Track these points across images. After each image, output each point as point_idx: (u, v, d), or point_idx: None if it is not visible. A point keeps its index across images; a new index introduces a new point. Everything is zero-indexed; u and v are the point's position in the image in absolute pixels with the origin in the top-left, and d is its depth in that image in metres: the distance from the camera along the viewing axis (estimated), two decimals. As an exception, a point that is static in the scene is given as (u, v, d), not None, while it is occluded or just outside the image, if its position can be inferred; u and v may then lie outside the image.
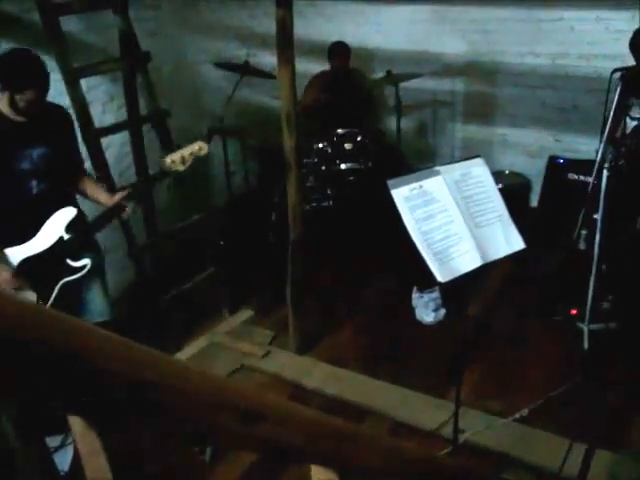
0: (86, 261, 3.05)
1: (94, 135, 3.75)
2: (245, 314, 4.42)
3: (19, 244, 2.93)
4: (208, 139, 4.94)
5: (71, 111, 3.79)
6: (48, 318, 0.56)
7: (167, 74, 5.14)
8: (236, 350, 4.02)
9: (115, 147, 4.36)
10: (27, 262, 2.92)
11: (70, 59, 3.60)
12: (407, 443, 1.54)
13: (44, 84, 2.82)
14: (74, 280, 3.04)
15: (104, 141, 3.85)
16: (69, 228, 2.99)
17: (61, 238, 2.98)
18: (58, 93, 4.00)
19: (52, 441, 3.17)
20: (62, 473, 3.09)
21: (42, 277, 2.95)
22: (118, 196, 3.09)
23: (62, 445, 3.19)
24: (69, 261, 3.02)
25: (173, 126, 4.14)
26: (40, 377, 0.57)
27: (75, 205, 3.13)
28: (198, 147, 3.12)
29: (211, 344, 4.11)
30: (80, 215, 3.10)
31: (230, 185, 5.15)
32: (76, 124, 3.73)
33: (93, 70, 3.87)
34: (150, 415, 0.62)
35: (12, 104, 2.79)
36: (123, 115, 4.39)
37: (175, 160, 3.07)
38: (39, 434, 2.78)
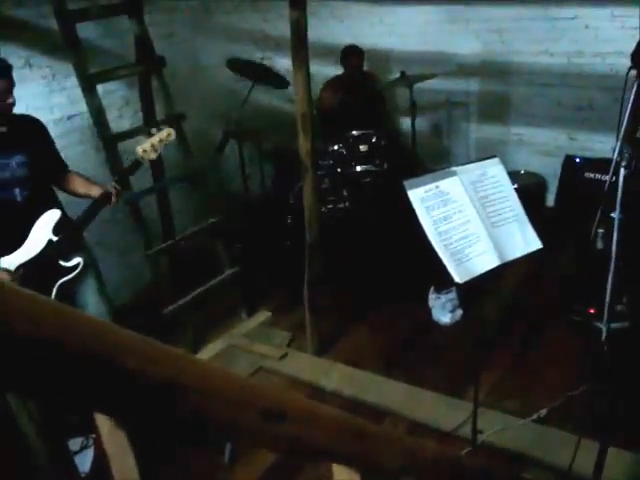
0: (78, 260, 3.11)
1: (111, 140, 3.78)
2: (262, 316, 4.43)
3: (10, 253, 2.98)
4: (223, 142, 4.97)
5: (87, 116, 3.84)
6: (79, 319, 0.57)
7: (182, 78, 5.16)
8: (254, 352, 4.03)
9: (132, 152, 4.39)
10: (21, 269, 2.97)
11: (87, 65, 3.64)
12: (428, 443, 1.55)
13: (9, 73, 2.88)
14: (70, 280, 3.10)
15: (121, 146, 3.88)
16: (56, 230, 3.04)
17: (50, 241, 3.03)
18: (76, 99, 4.06)
19: (73, 443, 3.21)
20: (83, 475, 3.12)
21: (38, 282, 2.98)
22: (108, 187, 3.15)
23: (83, 447, 3.23)
24: (61, 262, 3.07)
25: (189, 129, 4.17)
26: (71, 378, 0.58)
27: (59, 207, 3.18)
28: (166, 133, 3.20)
29: (229, 346, 4.12)
30: (64, 216, 3.14)
31: (246, 188, 5.16)
32: (93, 129, 3.78)
33: (109, 75, 3.90)
34: (176, 414, 0.64)
35: None
36: (139, 119, 4.43)
37: (146, 149, 3.14)
38: (61, 435, 2.81)
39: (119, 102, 4.67)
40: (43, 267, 3.01)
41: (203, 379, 0.67)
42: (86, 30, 3.89)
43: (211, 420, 0.68)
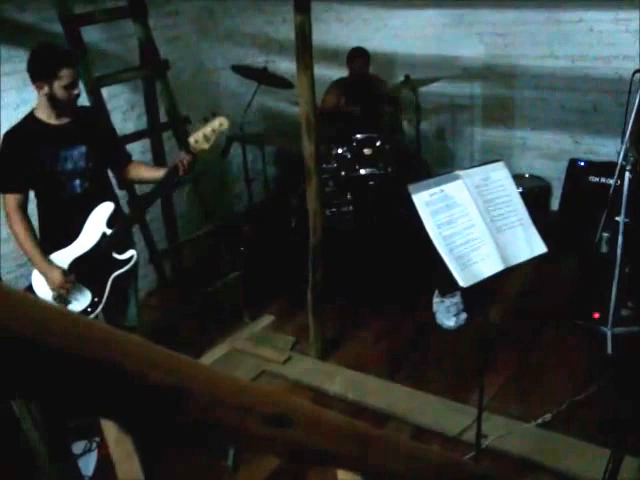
0: (132, 252, 3.15)
1: (115, 143, 3.78)
2: (266, 320, 4.43)
3: (66, 246, 3.01)
4: (227, 145, 4.98)
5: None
6: (83, 324, 0.57)
7: (186, 81, 5.17)
8: (257, 356, 4.03)
9: (136, 154, 4.39)
10: (77, 263, 3.00)
11: (91, 69, 3.65)
12: (432, 447, 1.54)
13: (72, 59, 2.94)
14: (123, 273, 3.12)
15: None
16: (110, 223, 3.06)
17: (104, 234, 3.05)
18: (81, 102, 4.05)
19: (76, 447, 3.21)
20: (86, 478, 3.12)
21: (93, 274, 3.03)
22: (178, 158, 3.12)
23: (87, 450, 3.23)
24: (115, 255, 3.09)
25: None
26: (75, 383, 0.58)
27: (114, 199, 3.20)
28: (219, 123, 3.13)
29: (232, 350, 4.12)
30: (118, 208, 3.17)
31: (250, 191, 5.17)
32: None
33: (114, 79, 3.91)
34: (181, 420, 0.63)
35: (53, 101, 2.87)
36: (143, 123, 4.43)
37: (198, 139, 3.09)
38: (65, 439, 2.81)
39: (124, 105, 4.67)
40: (97, 260, 3.04)
41: (208, 384, 0.67)
42: (91, 34, 3.90)
43: (216, 425, 0.67)
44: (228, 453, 3.08)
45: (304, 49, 3.34)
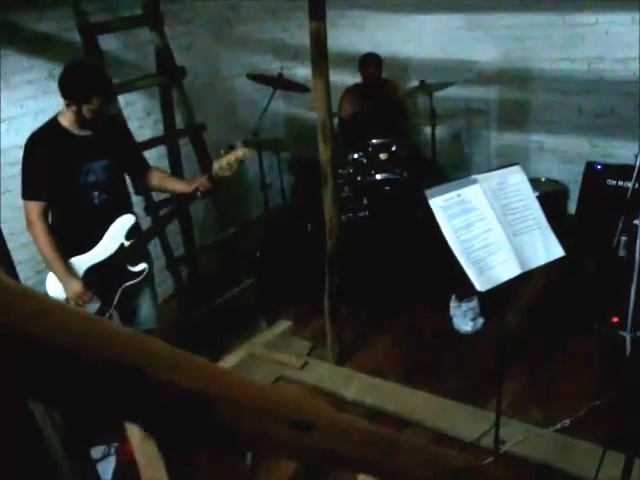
0: (144, 265, 3.19)
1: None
2: (283, 325, 4.43)
3: (83, 253, 3.04)
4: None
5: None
6: (112, 333, 0.58)
7: (202, 88, 5.20)
8: (274, 361, 4.03)
9: (153, 161, 4.42)
10: (92, 270, 3.04)
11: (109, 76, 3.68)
12: (454, 453, 1.54)
13: (109, 90, 2.97)
14: (133, 284, 3.16)
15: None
16: (128, 235, 3.10)
17: (122, 245, 3.09)
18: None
19: (95, 452, 3.23)
20: (105, 483, 3.14)
21: (105, 283, 3.07)
22: (197, 182, 3.19)
23: (105, 455, 3.25)
24: (129, 266, 3.12)
25: (208, 139, 4.19)
26: (101, 387, 0.59)
27: (132, 211, 3.24)
28: (242, 153, 3.22)
29: (249, 356, 4.13)
30: (137, 222, 3.22)
31: (266, 197, 5.18)
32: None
33: (130, 86, 3.94)
34: (207, 425, 0.64)
35: (79, 117, 2.89)
36: (160, 130, 4.46)
37: (222, 166, 3.16)
38: (85, 444, 2.83)
39: (140, 113, 4.71)
40: (112, 269, 3.08)
41: (232, 389, 0.67)
42: (108, 42, 3.94)
43: (241, 430, 0.68)
44: (246, 455, 3.09)
45: (320, 55, 3.35)
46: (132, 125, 4.06)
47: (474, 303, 4.12)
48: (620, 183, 4.49)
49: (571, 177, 4.99)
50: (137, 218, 3.23)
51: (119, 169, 3.16)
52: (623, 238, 4.04)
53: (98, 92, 2.84)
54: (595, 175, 4.71)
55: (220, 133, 5.28)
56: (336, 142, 3.63)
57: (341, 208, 4.36)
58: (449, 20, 5.16)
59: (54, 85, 4.05)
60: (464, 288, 2.48)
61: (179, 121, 4.27)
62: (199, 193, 3.18)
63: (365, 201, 4.82)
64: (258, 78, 5.07)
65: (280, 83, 4.91)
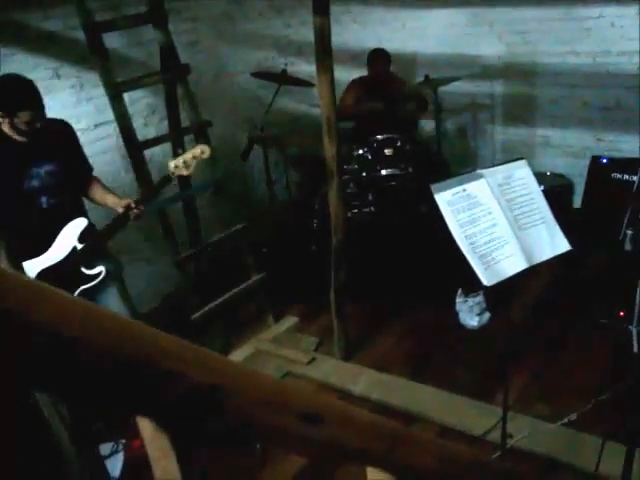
0: (100, 268, 3.16)
1: (137, 148, 3.82)
2: (289, 321, 4.44)
3: (34, 257, 3.03)
4: (248, 148, 5.00)
5: (114, 125, 3.89)
6: (118, 324, 0.59)
7: (207, 85, 5.21)
8: (281, 357, 4.04)
9: (158, 159, 4.44)
10: (44, 273, 3.03)
11: (113, 74, 3.69)
12: (461, 446, 1.55)
13: (36, 104, 2.92)
14: (91, 288, 3.14)
15: (147, 153, 3.93)
16: (81, 238, 3.10)
17: (74, 248, 3.09)
18: (103, 108, 4.12)
19: (104, 448, 3.24)
20: (113, 479, 3.15)
21: (60, 287, 3.02)
22: (124, 202, 3.17)
23: (114, 452, 3.26)
24: (84, 269, 3.12)
25: (214, 136, 4.20)
26: (113, 381, 0.60)
27: (84, 215, 3.24)
28: (200, 150, 3.23)
29: (256, 351, 4.14)
30: (90, 224, 3.19)
31: (271, 193, 5.19)
32: (120, 137, 3.83)
33: (135, 84, 3.95)
34: (218, 418, 0.65)
35: (13, 126, 2.91)
36: (165, 127, 4.47)
37: (178, 165, 3.17)
38: (92, 440, 2.84)
39: (145, 110, 4.72)
40: (65, 273, 3.07)
41: (244, 382, 0.68)
42: (112, 40, 3.95)
43: (252, 423, 0.69)
44: (254, 449, 3.10)
45: (324, 51, 3.35)
46: (137, 123, 4.08)
47: (480, 298, 4.12)
48: (626, 177, 4.47)
49: (577, 171, 4.98)
50: (90, 221, 3.20)
51: (66, 174, 3.13)
52: (629, 232, 4.04)
53: (24, 107, 2.85)
54: (601, 169, 4.70)
55: (225, 130, 5.29)
56: (341, 138, 3.63)
57: (346, 204, 4.37)
58: (453, 15, 5.15)
59: (59, 84, 4.09)
60: (470, 283, 2.47)
61: (184, 118, 4.28)
62: (131, 214, 3.13)
63: (370, 197, 4.82)
64: (262, 76, 5.08)
65: (284, 79, 4.92)
